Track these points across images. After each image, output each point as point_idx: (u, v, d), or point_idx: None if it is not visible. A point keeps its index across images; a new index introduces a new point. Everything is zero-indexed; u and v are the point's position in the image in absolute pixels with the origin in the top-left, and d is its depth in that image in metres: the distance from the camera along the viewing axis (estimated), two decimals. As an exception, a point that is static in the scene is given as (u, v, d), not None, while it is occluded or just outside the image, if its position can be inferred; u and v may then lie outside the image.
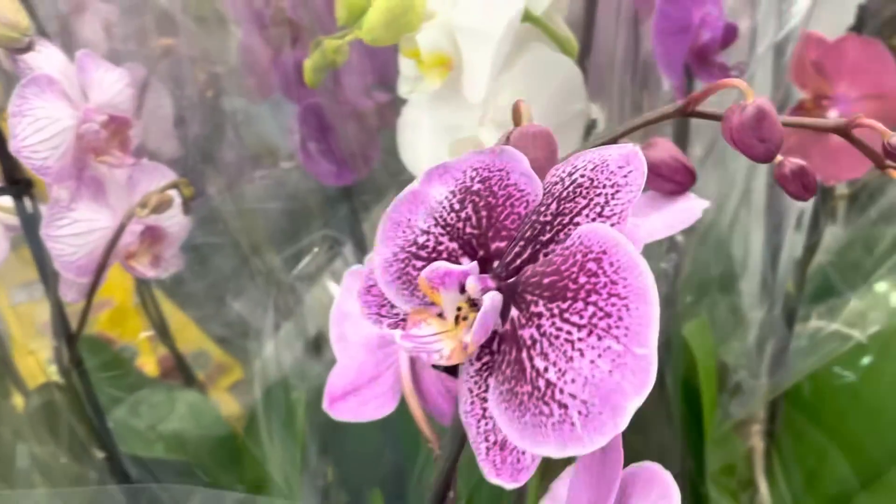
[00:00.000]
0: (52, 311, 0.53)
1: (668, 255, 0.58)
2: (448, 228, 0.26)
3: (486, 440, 0.25)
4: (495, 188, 0.25)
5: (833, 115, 0.54)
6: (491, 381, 0.25)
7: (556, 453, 0.22)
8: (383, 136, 0.60)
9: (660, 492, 0.25)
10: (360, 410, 0.37)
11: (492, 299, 0.24)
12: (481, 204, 0.26)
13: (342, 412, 0.37)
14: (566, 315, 0.22)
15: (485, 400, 0.25)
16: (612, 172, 0.24)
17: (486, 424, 0.25)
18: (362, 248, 0.65)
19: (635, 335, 0.21)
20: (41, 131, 0.46)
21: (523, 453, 0.24)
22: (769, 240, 0.61)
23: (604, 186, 0.24)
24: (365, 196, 0.62)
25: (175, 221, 0.55)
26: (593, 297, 0.22)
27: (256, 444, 0.63)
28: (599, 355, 0.21)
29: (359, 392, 0.37)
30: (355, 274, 0.40)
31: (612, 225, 0.24)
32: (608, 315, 0.21)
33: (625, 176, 0.24)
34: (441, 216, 0.26)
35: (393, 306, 0.28)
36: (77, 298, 0.51)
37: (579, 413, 0.21)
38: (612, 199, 0.24)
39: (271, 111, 0.57)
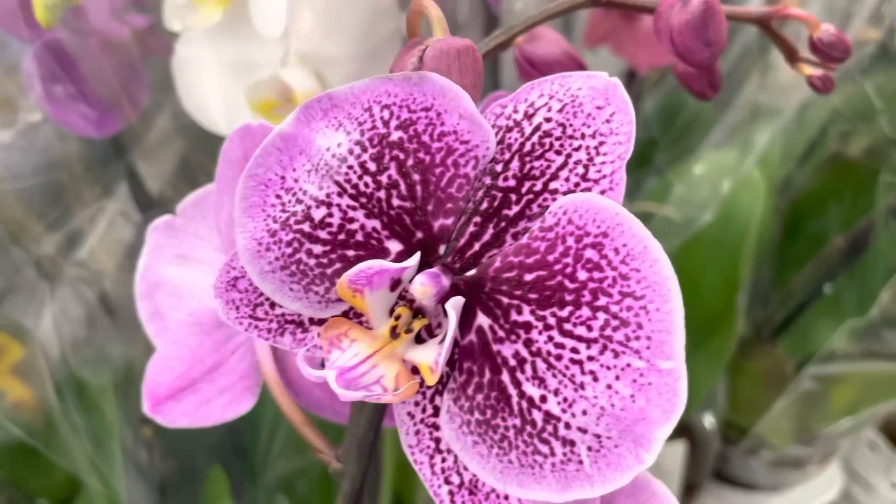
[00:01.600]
0: None
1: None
2: (363, 199, 0.19)
3: (448, 482, 0.20)
4: (425, 138, 0.18)
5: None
6: (447, 404, 0.19)
7: (554, 498, 0.18)
8: (151, 68, 0.50)
9: (650, 495, 0.21)
10: (200, 412, 0.29)
11: (457, 308, 0.18)
12: (409, 162, 0.19)
13: (175, 416, 0.29)
14: (567, 327, 0.17)
15: (435, 428, 0.20)
16: (588, 116, 0.18)
17: (444, 461, 0.20)
18: (149, 210, 0.55)
19: (659, 346, 0.17)
20: None
21: (507, 498, 0.19)
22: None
23: (582, 136, 0.18)
24: (140, 147, 0.52)
25: None
26: (602, 300, 0.17)
27: (56, 448, 0.54)
28: (617, 377, 0.17)
29: (196, 387, 0.29)
30: (163, 228, 0.31)
31: (604, 192, 0.18)
32: (624, 323, 0.17)
33: (607, 121, 0.18)
34: (348, 180, 0.19)
35: (274, 306, 0.21)
36: None
37: (590, 449, 0.17)
38: (598, 154, 0.18)
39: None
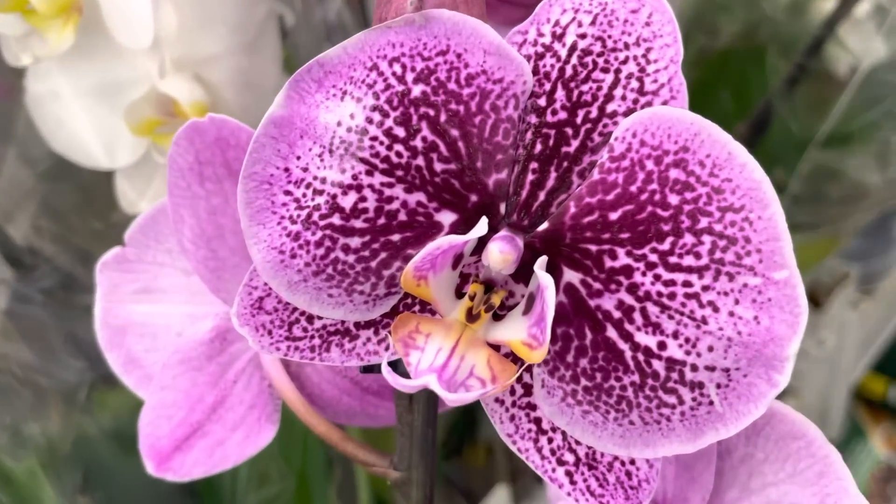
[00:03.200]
0: None
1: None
2: (400, 172, 0.16)
3: (562, 462, 0.18)
4: (451, 85, 0.16)
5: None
6: (542, 378, 0.17)
7: (687, 449, 0.16)
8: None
9: (786, 432, 0.20)
10: (216, 456, 0.26)
11: (543, 267, 0.16)
12: (442, 118, 0.16)
13: (188, 468, 0.26)
14: (673, 260, 0.16)
15: (531, 408, 0.18)
16: (625, 22, 0.16)
17: (551, 441, 0.18)
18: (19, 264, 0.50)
19: (770, 256, 0.15)
20: None
21: (633, 463, 0.18)
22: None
23: (626, 46, 0.17)
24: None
25: None
26: (703, 222, 0.15)
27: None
28: (737, 301, 0.15)
29: (203, 431, 0.26)
30: (113, 264, 0.27)
31: (667, 102, 0.16)
32: (732, 241, 0.15)
33: (647, 23, 0.16)
34: (376, 153, 0.16)
35: (312, 320, 0.18)
36: None
37: (719, 387, 0.16)
38: (648, 62, 0.16)
39: None
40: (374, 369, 0.21)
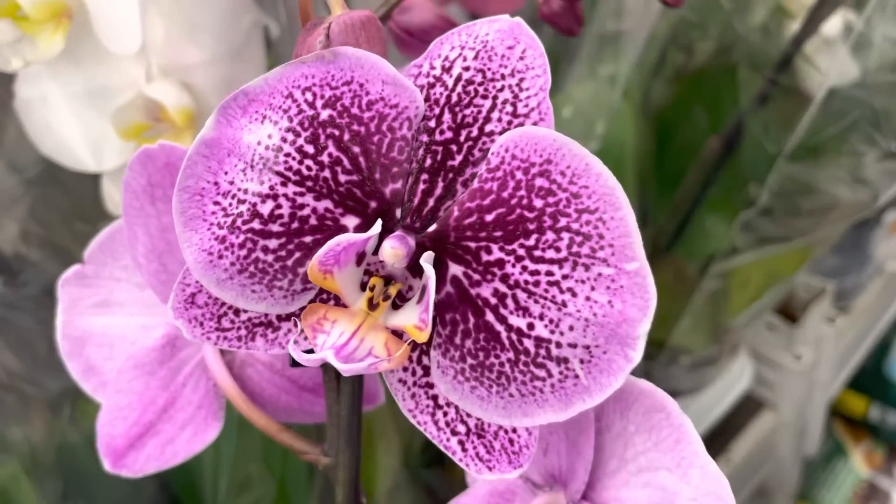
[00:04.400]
0: None
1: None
2: (309, 183, 0.19)
3: (456, 433, 0.21)
4: (354, 110, 0.19)
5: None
6: (437, 360, 0.20)
7: (559, 417, 0.19)
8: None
9: (650, 405, 0.22)
10: (167, 453, 0.28)
11: (430, 261, 0.19)
12: (346, 137, 0.19)
13: (141, 465, 0.28)
14: (537, 253, 0.18)
15: (430, 386, 0.21)
16: (503, 57, 0.19)
17: (446, 415, 0.21)
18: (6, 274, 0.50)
19: (622, 250, 0.18)
20: None
21: (515, 431, 0.20)
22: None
23: (502, 77, 0.19)
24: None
25: None
26: (562, 221, 0.18)
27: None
28: (593, 287, 0.18)
29: (155, 430, 0.28)
30: (74, 280, 0.30)
31: (536, 123, 0.19)
32: (587, 237, 0.18)
33: (521, 58, 0.19)
34: (289, 167, 0.19)
35: (239, 313, 0.21)
36: None
37: (582, 362, 0.18)
38: (521, 90, 0.19)
39: None
40: (299, 364, 0.23)
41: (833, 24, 0.46)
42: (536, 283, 0.18)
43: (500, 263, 0.19)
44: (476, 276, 0.19)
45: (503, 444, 0.20)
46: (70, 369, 0.30)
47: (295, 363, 0.24)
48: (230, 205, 0.19)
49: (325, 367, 0.23)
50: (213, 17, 0.34)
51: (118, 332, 0.29)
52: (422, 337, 0.19)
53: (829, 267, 0.87)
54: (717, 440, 0.82)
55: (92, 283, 0.29)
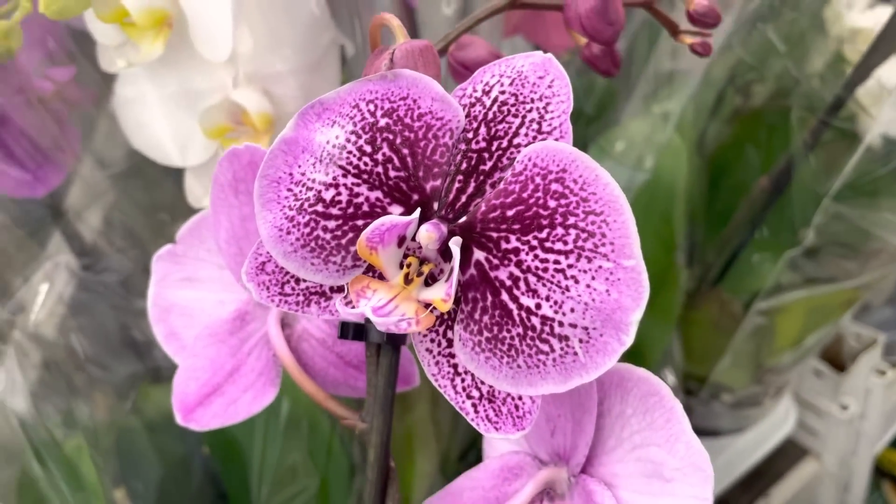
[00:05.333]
0: None
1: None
2: (365, 176, 0.23)
3: (470, 397, 0.24)
4: (407, 119, 0.22)
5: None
6: (458, 334, 0.23)
7: (559, 388, 0.22)
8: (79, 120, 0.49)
9: (645, 388, 0.25)
10: (229, 411, 0.32)
11: (458, 245, 0.22)
12: (398, 141, 0.22)
13: (207, 420, 0.31)
14: (548, 244, 0.21)
15: (451, 356, 0.24)
16: (534, 84, 0.23)
17: (464, 381, 0.24)
18: (85, 259, 0.54)
19: (621, 248, 0.21)
20: None
21: (521, 398, 0.23)
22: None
23: (532, 101, 0.23)
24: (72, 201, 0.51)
25: None
26: (571, 220, 0.21)
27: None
28: (593, 277, 0.21)
29: (221, 391, 0.32)
30: (166, 257, 0.34)
31: (557, 140, 0.22)
32: (591, 235, 0.21)
33: (549, 86, 0.23)
34: (350, 163, 0.23)
35: (299, 281, 0.25)
36: None
37: (581, 341, 0.21)
38: (546, 112, 0.23)
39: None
40: (346, 336, 0.28)
41: (890, 71, 0.47)
42: (545, 269, 0.21)
43: (516, 251, 0.22)
44: (495, 261, 0.22)
45: (510, 409, 0.23)
46: (155, 333, 0.34)
47: (342, 335, 0.28)
48: (300, 191, 0.23)
49: (368, 344, 0.27)
50: (296, 34, 0.37)
51: (198, 305, 0.33)
52: (445, 307, 0.22)
53: (882, 318, 0.86)
54: (758, 483, 0.82)
55: (180, 260, 0.34)
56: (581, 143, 0.60)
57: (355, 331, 0.28)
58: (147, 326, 0.57)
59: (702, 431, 0.76)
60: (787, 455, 0.87)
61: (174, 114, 0.38)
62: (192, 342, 0.32)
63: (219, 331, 0.32)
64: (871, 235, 0.48)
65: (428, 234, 0.22)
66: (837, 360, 0.85)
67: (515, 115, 0.23)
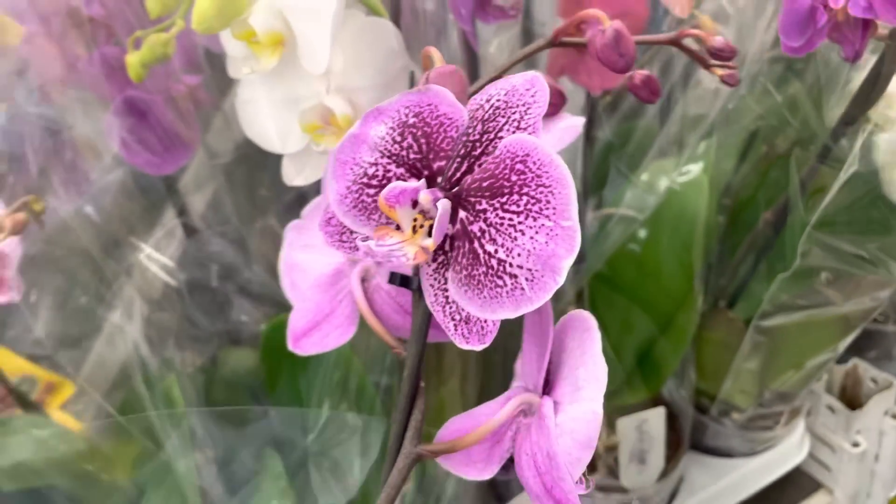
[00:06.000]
0: None
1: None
2: (394, 157, 0.30)
3: (453, 319, 0.31)
4: (428, 119, 0.29)
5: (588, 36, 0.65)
6: (449, 274, 0.30)
7: (512, 314, 0.29)
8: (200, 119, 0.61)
9: (583, 326, 0.32)
10: (323, 342, 0.42)
11: (444, 205, 0.29)
12: (419, 134, 0.30)
13: (307, 347, 0.42)
14: (506, 206, 0.27)
15: (446, 290, 0.31)
16: (521, 94, 0.30)
17: (450, 308, 0.31)
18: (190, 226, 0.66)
19: (562, 212, 0.26)
20: None
21: (486, 321, 0.30)
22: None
23: (517, 106, 0.29)
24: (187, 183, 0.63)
25: (8, 243, 0.53)
26: (525, 189, 0.27)
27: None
28: (537, 232, 0.27)
29: (319, 327, 0.42)
30: (296, 227, 0.45)
31: (529, 134, 0.29)
32: (538, 201, 0.27)
33: (532, 96, 0.29)
34: (385, 149, 0.30)
35: (352, 233, 0.32)
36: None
37: (527, 280, 0.28)
38: (526, 114, 0.29)
39: (83, 111, 0.56)
40: (394, 282, 0.37)
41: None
42: (502, 224, 0.27)
43: (485, 211, 0.28)
44: (472, 218, 0.28)
45: (478, 329, 0.29)
46: (283, 285, 0.44)
47: (391, 282, 0.38)
48: (355, 169, 0.30)
49: (413, 292, 0.34)
50: (377, 59, 0.48)
51: (311, 264, 0.43)
52: (432, 247, 0.28)
53: (901, 365, 0.91)
54: (771, 511, 0.87)
55: (303, 231, 0.44)
56: (612, 174, 0.69)
57: (401, 280, 0.37)
58: (236, 295, 0.69)
59: (714, 451, 0.83)
60: (801, 487, 0.91)
61: (279, 113, 0.49)
62: (305, 291, 0.42)
63: (323, 283, 0.42)
64: (852, 263, 0.56)
65: (425, 197, 0.28)
66: (856, 402, 0.90)
67: (503, 116, 0.29)
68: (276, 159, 0.51)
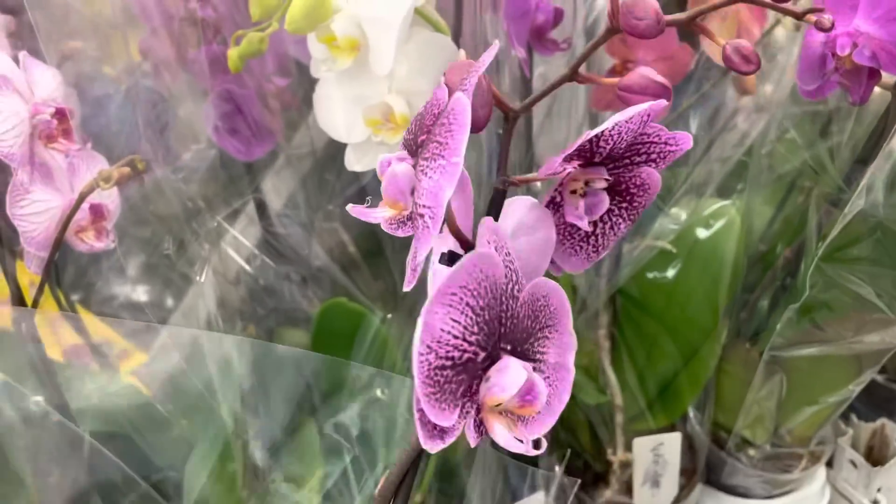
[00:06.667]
0: (10, 287, 0.59)
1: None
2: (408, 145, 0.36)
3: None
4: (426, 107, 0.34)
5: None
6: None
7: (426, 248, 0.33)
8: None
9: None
10: None
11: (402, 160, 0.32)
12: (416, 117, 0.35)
13: None
14: (427, 153, 0.30)
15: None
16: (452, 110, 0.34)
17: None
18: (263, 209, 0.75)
19: (453, 150, 0.28)
20: (5, 122, 0.53)
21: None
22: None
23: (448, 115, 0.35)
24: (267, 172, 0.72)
25: (113, 198, 0.62)
26: (438, 138, 0.29)
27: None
28: (434, 171, 0.29)
29: None
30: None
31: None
32: (441, 144, 0.29)
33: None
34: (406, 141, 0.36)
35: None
36: (38, 271, 0.58)
37: (428, 217, 0.29)
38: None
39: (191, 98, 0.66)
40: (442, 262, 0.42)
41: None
42: (421, 168, 0.30)
43: (419, 159, 0.30)
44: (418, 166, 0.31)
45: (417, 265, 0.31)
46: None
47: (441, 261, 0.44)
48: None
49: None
50: (436, 67, 0.56)
51: None
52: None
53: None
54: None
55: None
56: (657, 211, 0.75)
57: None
58: (297, 277, 0.77)
59: (731, 490, 0.86)
60: (820, 539, 0.92)
61: (348, 108, 0.57)
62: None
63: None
64: (858, 299, 0.59)
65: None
66: (881, 462, 0.91)
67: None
68: (341, 157, 0.59)
